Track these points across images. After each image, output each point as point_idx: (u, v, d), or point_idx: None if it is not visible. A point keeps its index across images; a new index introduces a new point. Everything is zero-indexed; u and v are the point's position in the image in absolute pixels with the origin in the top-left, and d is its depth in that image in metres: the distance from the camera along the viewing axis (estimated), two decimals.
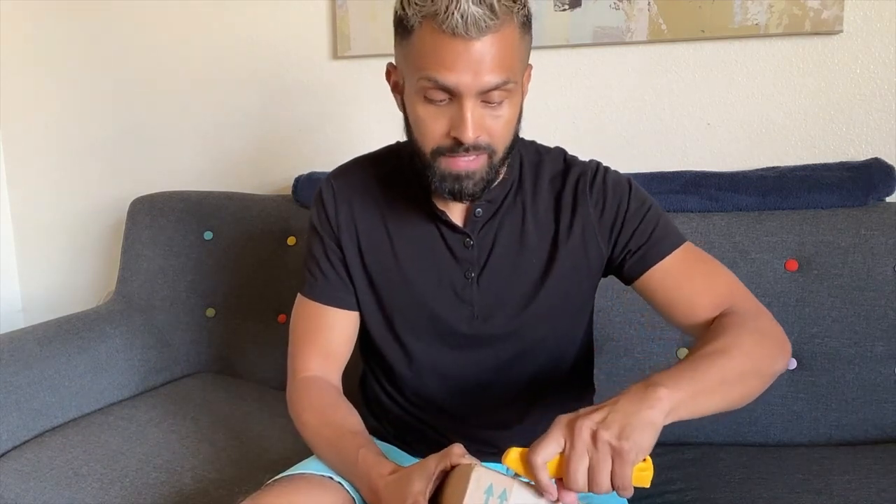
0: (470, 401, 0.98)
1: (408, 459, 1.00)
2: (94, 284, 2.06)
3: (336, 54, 1.69)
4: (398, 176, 0.96)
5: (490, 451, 0.94)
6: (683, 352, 1.30)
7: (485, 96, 0.79)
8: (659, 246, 0.91)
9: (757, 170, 1.41)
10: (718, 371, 0.75)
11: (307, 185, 1.58)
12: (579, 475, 0.65)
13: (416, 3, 0.77)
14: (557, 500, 0.67)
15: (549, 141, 1.00)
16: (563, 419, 0.68)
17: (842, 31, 1.38)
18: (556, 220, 0.93)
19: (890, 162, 1.33)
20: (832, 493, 1.04)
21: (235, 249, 1.63)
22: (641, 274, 0.92)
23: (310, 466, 0.91)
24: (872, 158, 1.35)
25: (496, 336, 0.95)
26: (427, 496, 0.72)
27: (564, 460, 0.66)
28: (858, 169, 1.32)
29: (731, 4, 1.41)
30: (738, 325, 0.82)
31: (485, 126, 0.81)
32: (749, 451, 1.21)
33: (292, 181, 1.63)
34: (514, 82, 0.80)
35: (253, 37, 1.76)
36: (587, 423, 0.66)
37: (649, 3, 1.45)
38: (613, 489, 0.66)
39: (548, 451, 0.66)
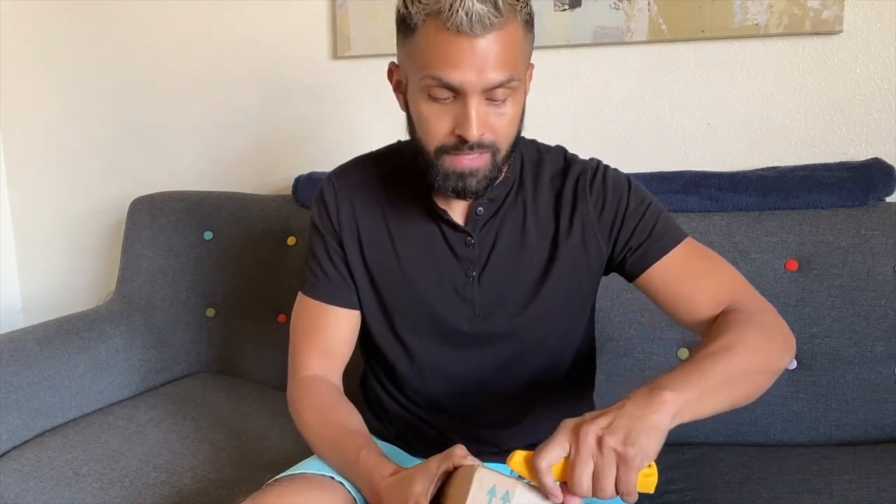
0: (471, 400, 0.98)
1: (409, 460, 1.00)
2: (94, 284, 2.06)
3: (336, 54, 1.69)
4: (400, 175, 0.96)
5: (491, 451, 0.94)
6: (684, 352, 1.30)
7: (489, 94, 0.79)
8: (659, 243, 0.91)
9: (757, 170, 1.42)
10: (723, 370, 0.74)
11: (307, 185, 1.58)
12: (584, 480, 0.65)
13: (419, 1, 0.77)
14: (562, 503, 0.67)
15: (549, 141, 1.00)
16: (568, 423, 0.68)
17: (842, 31, 1.38)
18: (556, 219, 0.93)
19: (890, 162, 1.33)
20: (832, 493, 1.04)
21: (235, 249, 1.63)
22: (643, 272, 0.92)
23: (310, 466, 0.91)
24: (872, 158, 1.35)
25: (497, 335, 0.95)
26: (429, 497, 0.72)
27: (569, 465, 0.66)
28: (858, 169, 1.32)
29: (731, 4, 1.41)
30: (741, 322, 0.82)
31: (489, 124, 0.81)
32: (749, 451, 1.21)
33: (292, 181, 1.63)
34: (517, 80, 0.81)
35: (253, 37, 1.76)
36: (592, 428, 0.66)
37: (649, 3, 1.45)
38: (618, 494, 0.66)
39: (553, 455, 0.66)
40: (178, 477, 1.17)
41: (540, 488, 0.67)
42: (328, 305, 0.97)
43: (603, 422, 0.66)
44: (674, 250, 0.91)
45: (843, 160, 1.39)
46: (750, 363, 0.77)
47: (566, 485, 0.67)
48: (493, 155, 0.84)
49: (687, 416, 0.70)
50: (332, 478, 0.89)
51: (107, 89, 1.92)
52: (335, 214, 0.97)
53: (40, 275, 2.11)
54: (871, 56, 1.38)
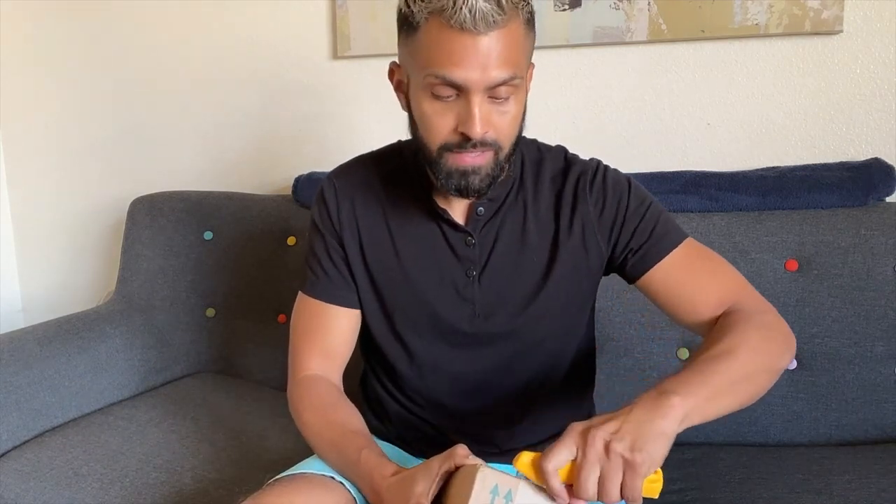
0: (471, 399, 0.98)
1: (409, 460, 1.00)
2: (94, 284, 2.06)
3: (336, 54, 1.69)
4: (400, 174, 0.96)
5: (491, 451, 0.94)
6: (684, 352, 1.30)
7: (492, 92, 0.80)
8: (660, 244, 0.91)
9: (757, 170, 1.42)
10: (727, 372, 0.75)
11: (307, 185, 1.58)
12: (590, 484, 0.65)
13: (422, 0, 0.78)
14: None
15: (549, 141, 1.00)
16: (576, 427, 0.68)
17: (842, 31, 1.38)
18: (556, 219, 0.93)
19: (890, 162, 1.33)
20: (832, 493, 1.04)
21: (235, 249, 1.63)
22: (643, 273, 0.92)
23: (311, 466, 0.91)
24: (872, 158, 1.35)
25: (497, 334, 0.95)
26: (430, 497, 0.72)
27: (576, 469, 0.66)
28: (858, 169, 1.32)
29: (731, 4, 1.41)
30: (742, 323, 0.82)
31: (492, 122, 0.81)
32: (749, 451, 1.22)
33: (292, 181, 1.63)
34: (520, 78, 0.81)
35: (253, 37, 1.76)
36: (600, 433, 0.66)
37: (649, 3, 1.45)
38: (622, 499, 0.66)
39: (560, 458, 0.67)
40: (178, 477, 1.17)
41: (545, 489, 0.67)
42: (328, 305, 0.97)
43: (611, 427, 0.67)
44: (674, 251, 0.91)
45: (843, 160, 1.39)
46: (753, 364, 0.78)
47: (571, 487, 0.67)
48: (496, 153, 0.84)
49: (694, 421, 0.70)
50: (333, 478, 0.89)
51: (107, 89, 1.92)
52: (335, 214, 0.97)
53: (40, 275, 2.10)
54: (871, 56, 1.38)
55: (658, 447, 0.66)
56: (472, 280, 0.93)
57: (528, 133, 0.93)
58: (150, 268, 1.66)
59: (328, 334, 0.97)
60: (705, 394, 0.71)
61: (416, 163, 0.90)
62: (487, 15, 0.75)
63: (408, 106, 0.88)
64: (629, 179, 0.95)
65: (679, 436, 0.69)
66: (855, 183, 1.29)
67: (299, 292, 1.00)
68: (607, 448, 0.65)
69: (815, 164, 1.37)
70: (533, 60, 0.87)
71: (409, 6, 0.79)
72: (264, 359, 1.58)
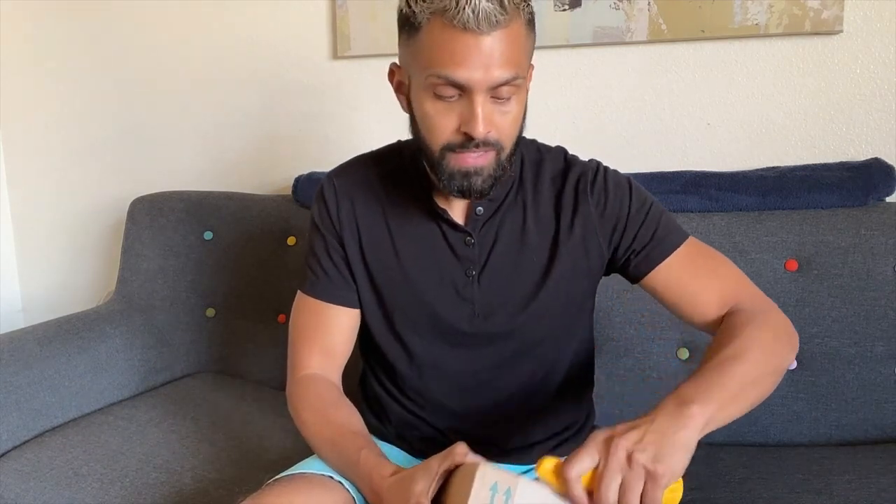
0: (470, 399, 0.98)
1: (409, 460, 1.00)
2: (94, 284, 2.06)
3: (336, 54, 1.69)
4: (400, 174, 0.96)
5: (491, 450, 0.93)
6: (684, 352, 1.30)
7: (494, 92, 0.80)
8: (662, 245, 0.92)
9: (757, 170, 1.42)
10: (740, 376, 0.75)
11: (307, 185, 1.58)
12: (611, 493, 0.66)
13: (423, 0, 0.78)
14: None
15: (549, 141, 1.00)
16: (599, 435, 0.69)
17: (842, 31, 1.38)
18: (556, 219, 0.94)
19: (890, 162, 1.33)
20: (832, 493, 1.04)
21: (235, 249, 1.63)
22: (646, 274, 0.92)
23: (310, 466, 0.91)
24: (872, 158, 1.35)
25: (497, 334, 0.95)
26: (430, 496, 0.72)
27: (597, 476, 0.67)
28: (858, 169, 1.32)
29: (731, 4, 1.41)
30: (749, 324, 0.83)
31: (494, 122, 0.81)
32: (749, 451, 1.21)
33: (292, 181, 1.63)
34: (521, 78, 0.81)
35: (253, 37, 1.76)
36: (623, 442, 0.66)
37: (649, 3, 1.45)
38: None
39: (583, 465, 0.67)
40: (178, 477, 1.17)
41: (568, 497, 0.67)
42: (328, 304, 0.97)
43: (634, 436, 0.67)
44: (676, 251, 0.92)
45: (843, 160, 1.39)
46: (762, 367, 0.79)
47: (591, 495, 0.67)
48: (498, 153, 0.84)
49: (711, 428, 0.71)
50: (332, 478, 0.89)
51: (107, 89, 1.92)
52: (335, 213, 0.97)
53: (40, 275, 2.11)
54: (871, 56, 1.38)
55: (679, 458, 0.67)
56: (471, 280, 0.93)
57: (529, 133, 0.93)
58: (150, 268, 1.66)
59: (328, 333, 0.97)
60: (721, 400, 0.72)
61: (416, 163, 0.90)
62: (490, 15, 0.75)
63: (409, 107, 0.88)
64: (630, 180, 0.96)
65: None
66: (855, 183, 1.29)
67: (299, 291, 1.00)
68: (630, 458, 0.66)
69: (815, 164, 1.37)
70: (533, 61, 0.87)
71: (410, 6, 0.79)
72: (264, 359, 1.58)
